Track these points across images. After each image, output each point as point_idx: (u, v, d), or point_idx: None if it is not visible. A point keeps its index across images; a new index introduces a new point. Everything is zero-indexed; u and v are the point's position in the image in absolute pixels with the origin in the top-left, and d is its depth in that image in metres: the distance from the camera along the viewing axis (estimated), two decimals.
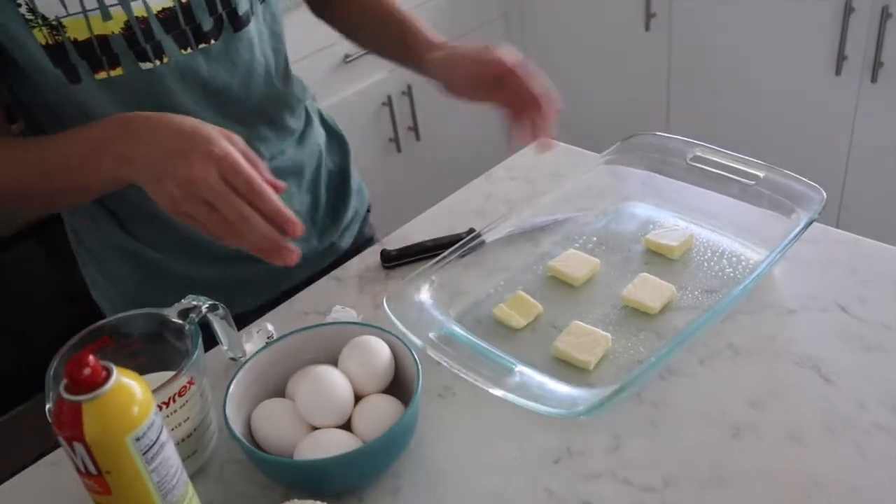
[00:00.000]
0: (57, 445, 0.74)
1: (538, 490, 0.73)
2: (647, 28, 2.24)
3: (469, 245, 0.98)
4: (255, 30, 0.99)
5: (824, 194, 0.92)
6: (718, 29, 2.15)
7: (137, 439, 0.58)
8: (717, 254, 0.98)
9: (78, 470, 0.59)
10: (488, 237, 0.99)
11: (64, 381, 0.57)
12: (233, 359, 0.87)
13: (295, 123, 1.09)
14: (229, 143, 0.76)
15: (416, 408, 0.74)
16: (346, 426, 0.76)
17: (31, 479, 0.81)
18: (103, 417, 0.56)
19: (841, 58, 1.94)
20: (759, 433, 0.75)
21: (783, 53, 2.05)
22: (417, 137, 2.39)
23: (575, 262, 0.97)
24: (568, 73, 2.44)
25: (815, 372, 0.81)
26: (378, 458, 0.74)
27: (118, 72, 0.89)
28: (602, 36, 2.39)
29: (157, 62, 0.91)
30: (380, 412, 0.76)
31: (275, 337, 0.90)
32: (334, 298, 0.98)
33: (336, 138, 1.19)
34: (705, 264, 0.96)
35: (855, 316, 0.87)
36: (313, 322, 0.91)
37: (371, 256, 1.05)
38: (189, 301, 0.79)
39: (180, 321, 0.77)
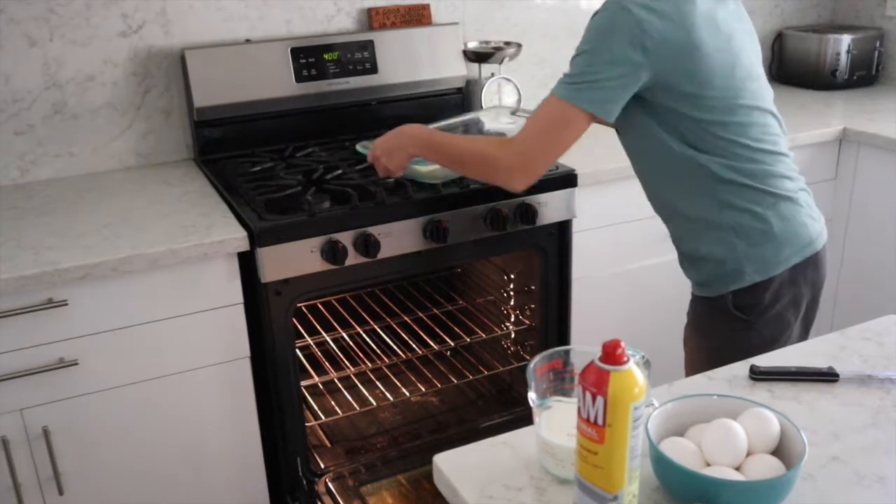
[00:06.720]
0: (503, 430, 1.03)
1: None
2: None
3: (824, 377, 1.21)
4: None
5: None
6: None
7: (635, 408, 0.84)
8: None
9: (586, 420, 0.85)
10: (843, 375, 1.22)
11: (598, 355, 0.84)
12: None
13: None
14: None
15: (799, 469, 0.94)
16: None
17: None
18: (621, 384, 0.83)
19: None
20: None
21: None
22: None
23: None
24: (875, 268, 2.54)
25: None
26: (763, 496, 0.94)
27: None
28: None
29: None
30: (767, 464, 0.97)
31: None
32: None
33: None
34: None
35: None
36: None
37: (740, 369, 1.28)
38: None
39: None
